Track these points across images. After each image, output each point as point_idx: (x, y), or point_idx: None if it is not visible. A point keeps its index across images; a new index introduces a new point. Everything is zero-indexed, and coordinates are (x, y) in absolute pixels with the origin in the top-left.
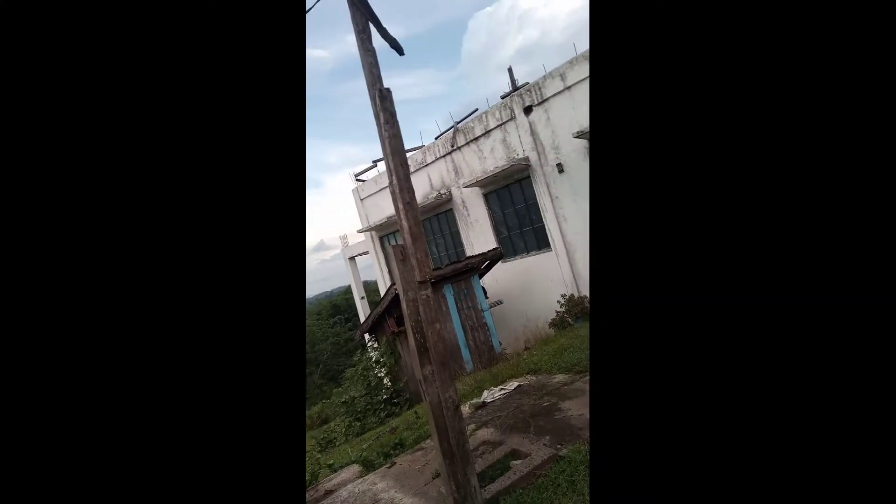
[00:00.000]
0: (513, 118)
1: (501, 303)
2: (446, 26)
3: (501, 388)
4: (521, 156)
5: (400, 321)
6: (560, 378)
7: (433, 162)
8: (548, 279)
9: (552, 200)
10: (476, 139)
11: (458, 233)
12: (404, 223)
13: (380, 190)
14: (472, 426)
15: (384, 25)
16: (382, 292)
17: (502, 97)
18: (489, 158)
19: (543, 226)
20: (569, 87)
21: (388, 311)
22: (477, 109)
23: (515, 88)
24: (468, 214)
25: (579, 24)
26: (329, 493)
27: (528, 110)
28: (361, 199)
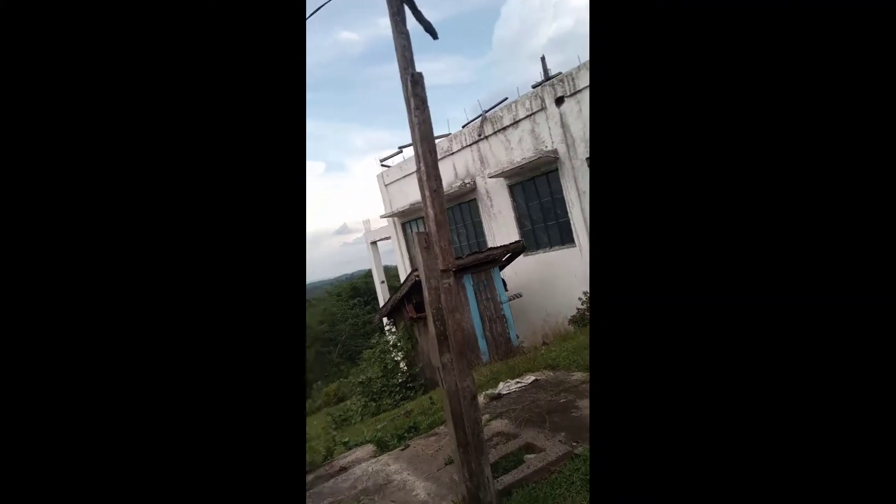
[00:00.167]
0: (543, 108)
1: (521, 296)
2: (478, 12)
3: (518, 381)
4: (549, 148)
5: (419, 307)
6: (578, 376)
7: (459, 150)
8: (570, 275)
9: (579, 195)
10: (504, 129)
11: (480, 223)
12: (430, 211)
13: (404, 176)
14: (487, 416)
15: (418, 8)
16: (402, 278)
17: (533, 86)
18: (516, 149)
19: (568, 220)
20: None
21: (407, 297)
22: (507, 98)
23: (548, 78)
24: (492, 205)
25: None
26: (343, 469)
27: (559, 101)
28: (386, 185)
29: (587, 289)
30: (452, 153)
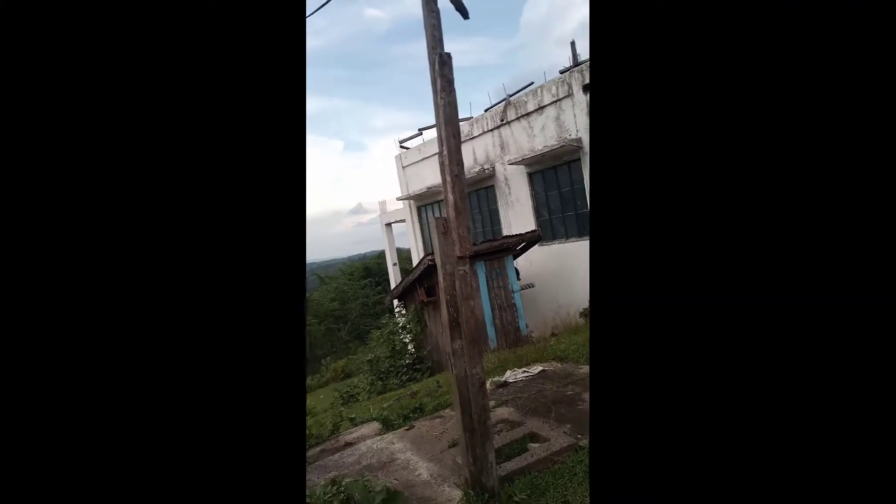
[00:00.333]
0: (570, 95)
1: (533, 286)
2: None
3: (525, 371)
4: (573, 136)
5: (430, 292)
6: (586, 369)
7: (479, 135)
8: (585, 268)
9: None
10: (528, 114)
11: (496, 210)
12: (450, 196)
13: (423, 159)
14: (493, 403)
15: None
16: (415, 261)
17: (561, 72)
18: (539, 136)
19: (587, 212)
20: None
21: (419, 281)
22: (532, 83)
23: (577, 64)
24: (509, 193)
25: None
26: (349, 444)
27: (587, 88)
28: (403, 167)
29: None
30: (473, 137)
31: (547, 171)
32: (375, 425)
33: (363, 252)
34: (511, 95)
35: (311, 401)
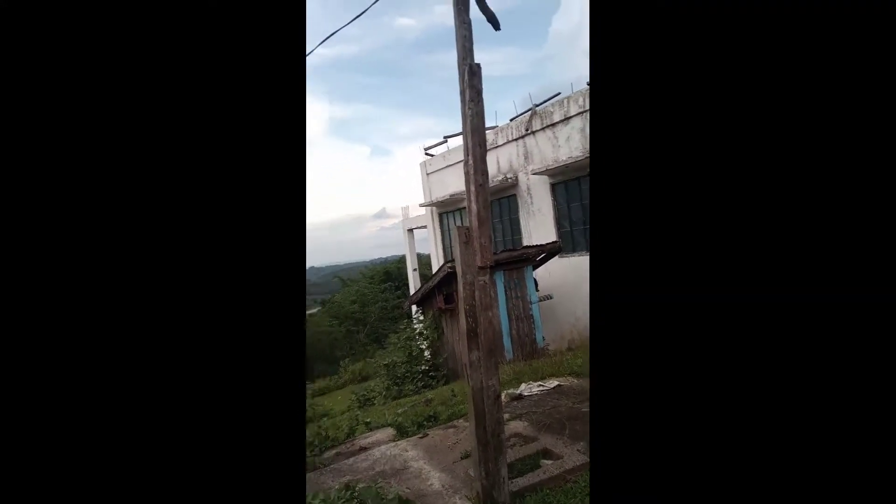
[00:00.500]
0: None
1: (551, 297)
2: (537, 3)
3: (540, 385)
4: None
5: (448, 299)
6: None
7: (504, 144)
8: None
9: None
10: (553, 125)
11: (517, 220)
12: (473, 206)
13: (447, 166)
14: (507, 416)
15: None
16: (435, 268)
17: (589, 84)
18: (563, 147)
19: None
20: None
21: (438, 288)
22: (559, 94)
23: None
24: (531, 202)
25: None
26: (364, 449)
27: None
28: (427, 174)
29: None
30: (497, 146)
31: (570, 183)
32: (390, 431)
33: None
34: (537, 105)
35: (328, 402)
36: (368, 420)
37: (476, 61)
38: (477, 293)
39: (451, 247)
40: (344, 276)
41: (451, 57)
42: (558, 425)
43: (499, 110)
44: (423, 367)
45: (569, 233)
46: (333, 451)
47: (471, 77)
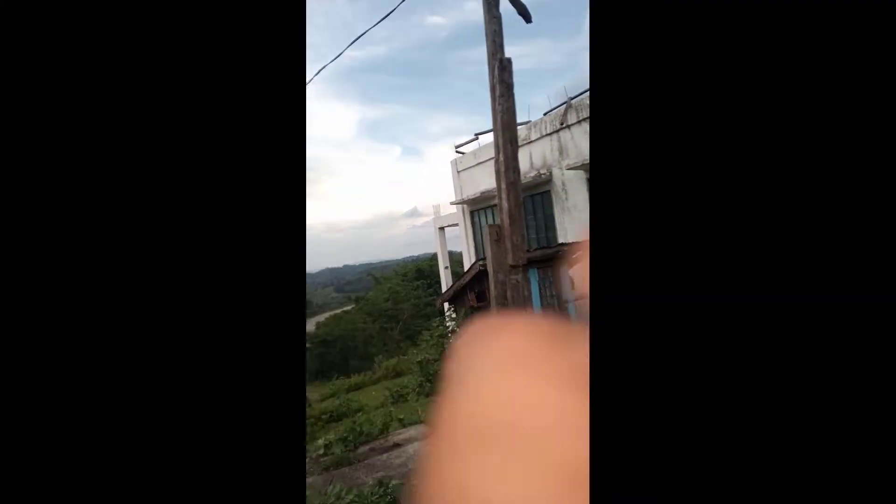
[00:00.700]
0: None
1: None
2: None
3: None
4: None
5: (480, 297)
6: None
7: (537, 139)
8: None
9: None
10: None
11: (552, 216)
12: (504, 203)
13: (478, 164)
14: None
15: None
16: (466, 265)
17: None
18: None
19: None
20: None
21: (469, 286)
22: None
23: None
24: (566, 199)
25: None
26: (397, 445)
27: None
28: (458, 172)
29: None
30: (530, 142)
31: None
32: (423, 428)
33: (416, 254)
34: (572, 98)
35: (362, 397)
36: (402, 416)
37: (507, 56)
38: (509, 291)
39: (482, 244)
40: (377, 273)
41: (482, 52)
42: None
43: (532, 104)
44: None
45: None
46: (367, 447)
47: (501, 72)
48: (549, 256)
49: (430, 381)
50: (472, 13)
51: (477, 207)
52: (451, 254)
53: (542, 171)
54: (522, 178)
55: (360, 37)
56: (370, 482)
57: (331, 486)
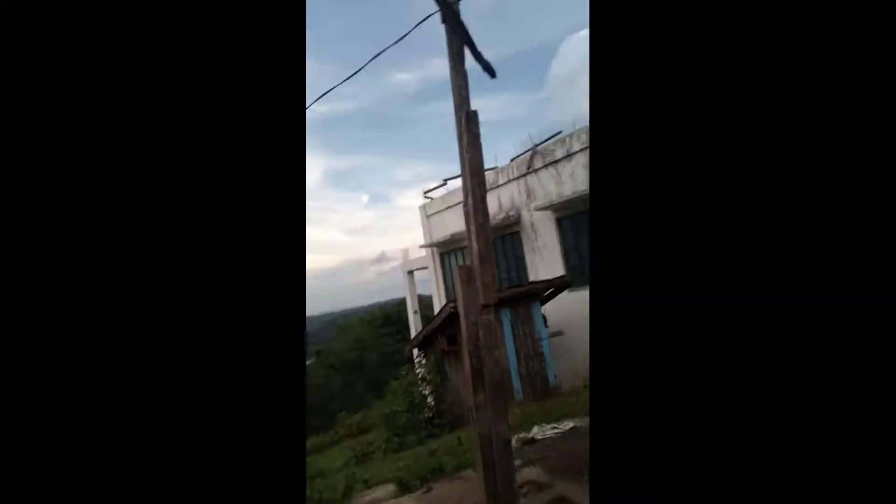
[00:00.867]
0: None
1: (562, 334)
2: (535, 51)
3: (554, 427)
4: None
5: (452, 340)
6: None
7: (505, 184)
8: None
9: None
10: (556, 162)
11: (522, 257)
12: (474, 245)
13: (447, 208)
14: (518, 462)
15: (478, 49)
16: (437, 309)
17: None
18: (567, 182)
19: None
20: None
21: (440, 329)
22: (561, 132)
23: None
24: (536, 239)
25: None
26: None
27: None
28: (427, 216)
29: None
30: (498, 186)
31: (576, 216)
32: (391, 487)
33: (384, 300)
34: (538, 144)
35: (323, 461)
36: (367, 477)
37: (473, 109)
38: (481, 332)
39: (453, 286)
40: (342, 322)
41: (449, 105)
42: (575, 470)
43: (498, 153)
44: (426, 415)
45: (577, 267)
46: None
47: (468, 123)
48: (520, 295)
49: (398, 436)
50: (437, 69)
51: (447, 250)
52: (420, 297)
53: (510, 213)
54: (492, 219)
55: (326, 93)
56: None
57: None
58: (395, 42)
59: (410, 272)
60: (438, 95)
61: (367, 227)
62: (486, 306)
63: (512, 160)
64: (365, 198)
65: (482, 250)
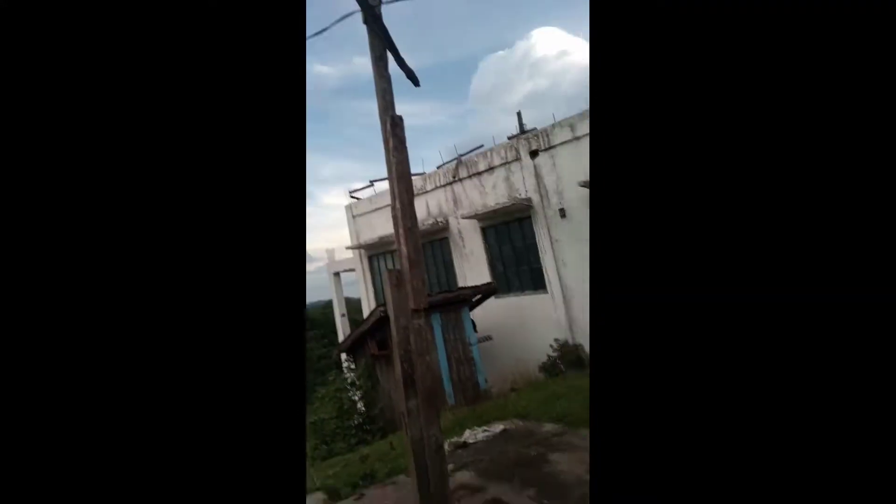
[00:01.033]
0: (518, 159)
1: (491, 338)
2: (457, 64)
3: (485, 430)
4: (523, 196)
5: (382, 345)
6: (550, 427)
7: (432, 190)
8: (541, 321)
9: (552, 243)
10: (479, 174)
11: (451, 263)
12: (403, 249)
13: (374, 210)
14: (451, 466)
15: (402, 56)
16: (366, 312)
17: (509, 138)
18: (490, 194)
19: (541, 267)
20: (577, 138)
21: (370, 333)
22: (482, 146)
23: (523, 132)
24: (464, 245)
25: None
26: None
27: (534, 154)
28: (354, 217)
29: (559, 336)
30: (426, 192)
31: (500, 227)
32: (319, 496)
33: (308, 303)
34: (462, 155)
35: None
36: None
37: (398, 114)
38: (412, 337)
39: (382, 289)
40: None
41: (372, 104)
42: (507, 472)
43: (425, 158)
44: (356, 421)
45: (503, 274)
46: None
47: (393, 128)
48: (450, 300)
49: (326, 444)
50: (360, 66)
51: (375, 252)
52: (348, 300)
53: (439, 220)
54: (421, 224)
55: None
56: None
57: None
58: (315, 34)
59: (337, 274)
60: (362, 94)
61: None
62: (416, 311)
63: (438, 167)
64: None
65: (411, 254)
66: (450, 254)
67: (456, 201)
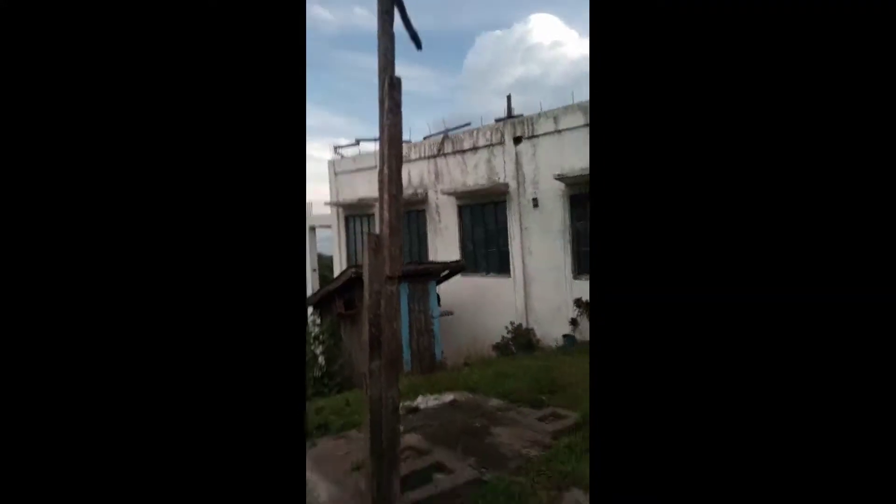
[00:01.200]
0: (501, 143)
1: (452, 314)
2: (455, 34)
3: (436, 398)
4: (502, 180)
5: (349, 305)
6: (496, 402)
7: (416, 160)
8: (501, 303)
9: (521, 231)
10: (463, 151)
11: (425, 235)
12: (386, 215)
13: (357, 170)
14: (402, 429)
15: (408, 15)
16: (337, 270)
17: (496, 120)
18: (471, 173)
19: (508, 252)
20: (559, 131)
21: (339, 292)
22: (469, 124)
23: (510, 116)
24: (439, 220)
25: (580, 74)
26: None
27: (517, 140)
28: (336, 174)
29: (515, 319)
30: (410, 161)
31: (475, 207)
32: None
33: None
34: (449, 130)
35: None
36: None
37: (397, 75)
38: (383, 302)
39: (356, 251)
40: None
41: (367, 59)
42: (451, 439)
43: (413, 127)
44: (315, 374)
45: (472, 253)
46: None
47: (391, 89)
48: (420, 272)
49: None
50: (360, 18)
51: (353, 213)
52: (320, 256)
53: (419, 191)
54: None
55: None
56: None
57: None
58: None
59: (312, 228)
60: (359, 47)
61: None
62: (390, 278)
63: (425, 138)
64: None
65: (393, 221)
66: (425, 226)
67: (437, 175)
